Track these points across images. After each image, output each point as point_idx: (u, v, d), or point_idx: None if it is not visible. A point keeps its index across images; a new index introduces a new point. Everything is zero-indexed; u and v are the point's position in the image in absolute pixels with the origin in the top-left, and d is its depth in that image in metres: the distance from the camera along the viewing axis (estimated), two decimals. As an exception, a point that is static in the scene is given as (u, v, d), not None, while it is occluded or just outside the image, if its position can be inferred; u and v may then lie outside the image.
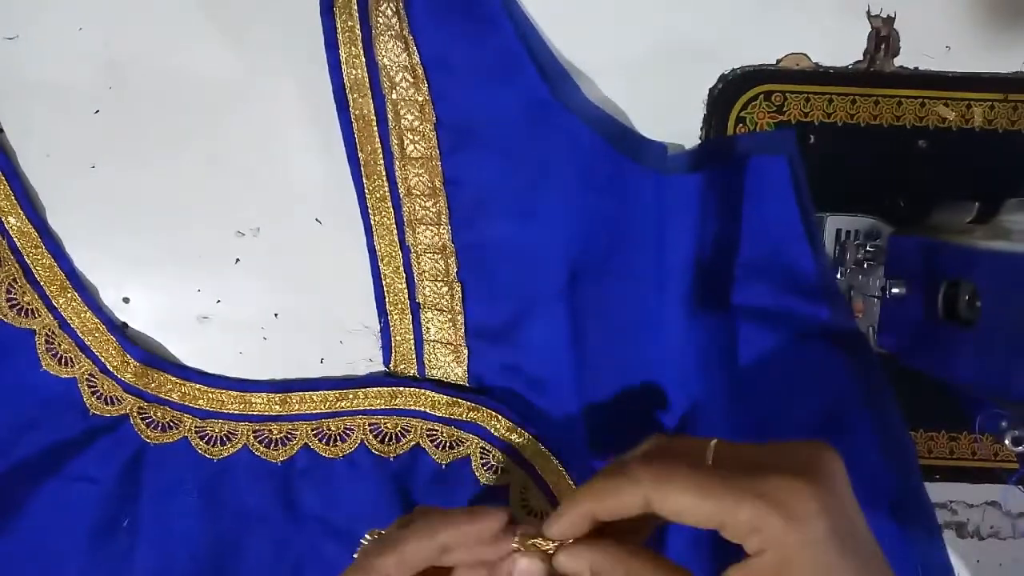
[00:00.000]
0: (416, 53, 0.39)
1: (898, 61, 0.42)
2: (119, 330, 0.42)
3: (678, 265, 0.40)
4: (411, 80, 0.39)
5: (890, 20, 0.42)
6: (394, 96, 0.40)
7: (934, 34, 0.42)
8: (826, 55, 0.42)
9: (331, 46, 0.39)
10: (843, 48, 0.42)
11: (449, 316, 0.42)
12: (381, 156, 0.41)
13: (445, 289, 0.41)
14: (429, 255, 0.41)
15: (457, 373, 0.42)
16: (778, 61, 0.42)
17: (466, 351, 0.42)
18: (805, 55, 0.42)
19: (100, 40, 0.41)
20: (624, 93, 0.42)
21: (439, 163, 0.40)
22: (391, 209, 0.41)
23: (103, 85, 0.42)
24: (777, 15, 0.41)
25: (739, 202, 0.41)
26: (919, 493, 0.40)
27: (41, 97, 0.41)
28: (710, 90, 0.42)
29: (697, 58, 0.41)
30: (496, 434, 0.42)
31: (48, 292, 0.42)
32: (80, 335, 0.42)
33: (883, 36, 0.42)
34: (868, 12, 0.42)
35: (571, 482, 0.41)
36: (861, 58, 0.42)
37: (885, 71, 0.42)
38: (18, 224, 0.41)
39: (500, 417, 0.42)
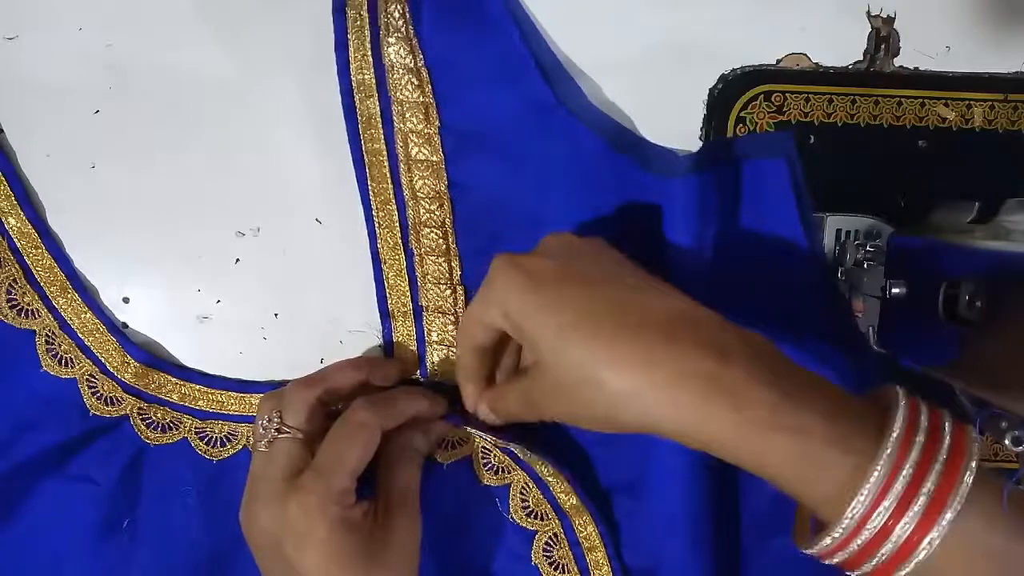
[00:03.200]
0: (421, 56, 0.39)
1: (898, 61, 0.42)
2: (119, 330, 0.42)
3: (679, 268, 0.40)
4: (416, 83, 0.39)
5: (890, 20, 0.42)
6: (399, 99, 0.39)
7: (934, 34, 0.42)
8: (826, 55, 0.42)
9: (340, 47, 0.39)
10: (843, 48, 0.42)
11: (452, 319, 0.42)
12: (386, 159, 0.40)
13: (448, 292, 0.41)
14: (432, 258, 0.41)
15: (459, 374, 0.42)
16: (778, 61, 0.42)
17: (468, 352, 0.42)
18: (805, 55, 0.42)
19: (100, 40, 0.41)
20: (624, 93, 0.42)
21: (443, 167, 0.40)
22: (395, 212, 0.41)
23: (103, 85, 0.42)
24: (777, 15, 0.41)
25: (739, 204, 0.41)
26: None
27: (41, 97, 0.41)
28: (710, 90, 0.42)
29: (697, 58, 0.41)
30: (498, 433, 0.42)
31: (48, 293, 0.42)
32: (80, 336, 0.42)
33: (883, 36, 0.42)
34: (868, 12, 0.42)
35: (569, 482, 0.41)
36: (861, 58, 0.42)
37: (885, 71, 0.42)
38: (18, 225, 0.41)
39: (501, 416, 0.41)
